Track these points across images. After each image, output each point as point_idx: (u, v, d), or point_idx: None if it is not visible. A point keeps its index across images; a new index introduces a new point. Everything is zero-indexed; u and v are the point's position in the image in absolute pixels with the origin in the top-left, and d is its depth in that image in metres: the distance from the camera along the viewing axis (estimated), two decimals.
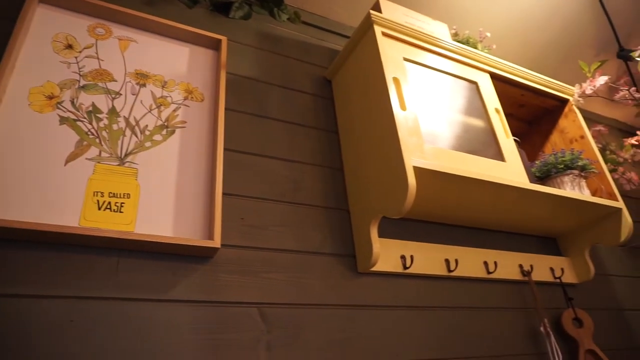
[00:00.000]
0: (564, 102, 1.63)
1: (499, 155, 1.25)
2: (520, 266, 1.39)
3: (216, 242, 0.93)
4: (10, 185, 0.84)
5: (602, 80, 1.53)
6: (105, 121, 1.00)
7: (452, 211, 1.29)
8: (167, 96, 1.11)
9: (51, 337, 0.77)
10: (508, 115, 1.61)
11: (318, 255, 1.10)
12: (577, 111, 1.60)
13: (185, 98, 1.13)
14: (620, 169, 1.83)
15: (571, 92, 1.61)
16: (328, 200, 1.20)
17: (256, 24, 1.42)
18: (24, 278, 0.79)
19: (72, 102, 0.99)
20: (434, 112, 1.22)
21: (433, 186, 1.12)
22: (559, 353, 1.24)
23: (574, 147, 1.54)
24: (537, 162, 1.48)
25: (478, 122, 1.31)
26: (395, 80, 1.16)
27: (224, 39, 1.24)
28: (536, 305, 1.32)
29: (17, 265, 0.80)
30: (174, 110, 1.10)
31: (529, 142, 1.72)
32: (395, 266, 1.16)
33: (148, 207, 0.95)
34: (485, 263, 1.32)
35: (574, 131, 1.57)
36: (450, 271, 1.24)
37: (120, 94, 1.05)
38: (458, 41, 1.54)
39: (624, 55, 1.84)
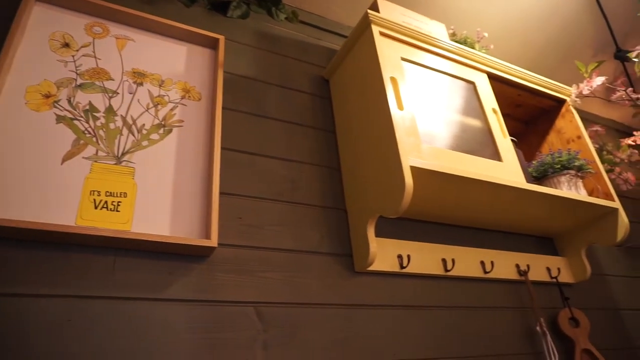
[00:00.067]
0: (561, 102, 1.63)
1: (496, 155, 1.26)
2: (517, 266, 1.40)
3: (213, 242, 0.93)
4: (7, 184, 0.84)
5: (599, 80, 1.53)
6: (102, 120, 1.00)
7: (449, 211, 1.29)
8: (164, 95, 1.11)
9: (48, 337, 0.77)
10: (505, 115, 1.61)
11: (315, 254, 1.10)
12: (574, 111, 1.60)
13: (183, 97, 1.13)
14: (617, 169, 1.83)
15: (568, 93, 1.62)
16: (325, 200, 1.20)
17: (254, 23, 1.42)
18: (21, 277, 0.79)
19: (69, 101, 0.98)
20: (431, 112, 1.22)
21: (430, 186, 1.12)
22: (555, 352, 1.24)
23: (570, 147, 1.54)
24: (534, 162, 1.48)
25: (475, 122, 1.31)
26: (393, 80, 1.16)
27: (221, 38, 1.24)
28: (533, 304, 1.32)
29: (14, 264, 0.80)
30: (171, 109, 1.10)
31: (526, 142, 1.72)
32: (392, 266, 1.16)
33: (145, 206, 0.95)
34: (482, 263, 1.33)
35: (571, 131, 1.58)
36: (447, 271, 1.25)
37: (118, 93, 1.05)
38: (456, 41, 1.54)
39: (621, 56, 1.85)
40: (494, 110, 1.35)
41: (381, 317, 1.10)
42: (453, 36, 1.59)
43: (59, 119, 0.95)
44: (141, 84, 1.09)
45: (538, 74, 1.59)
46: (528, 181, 1.27)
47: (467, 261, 1.30)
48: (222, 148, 1.11)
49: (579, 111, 2.09)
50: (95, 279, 0.85)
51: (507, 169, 1.23)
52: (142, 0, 1.23)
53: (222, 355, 0.89)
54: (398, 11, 1.39)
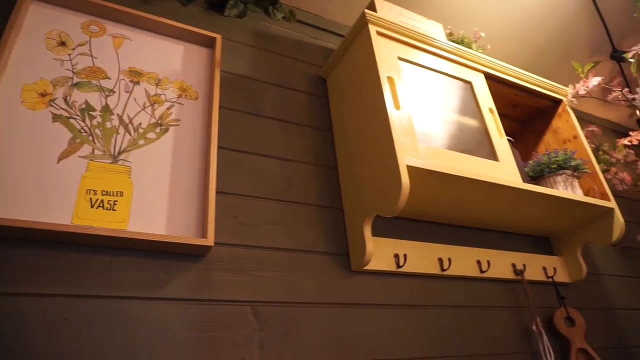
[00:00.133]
0: (558, 102, 1.64)
1: (492, 155, 1.26)
2: (513, 265, 1.40)
3: (209, 241, 0.93)
4: (2, 183, 0.84)
5: (595, 81, 1.54)
6: (99, 119, 1.00)
7: (446, 210, 1.29)
8: (161, 94, 1.11)
9: (45, 336, 0.77)
10: (502, 115, 1.61)
11: (311, 253, 1.10)
12: (571, 111, 1.60)
13: (179, 96, 1.13)
14: (613, 169, 1.84)
15: (565, 93, 1.62)
16: (322, 199, 1.20)
17: (251, 22, 1.42)
18: (17, 276, 0.79)
19: (65, 100, 0.98)
20: (428, 111, 1.22)
21: (427, 185, 1.12)
22: (551, 352, 1.25)
23: (567, 147, 1.55)
24: (530, 162, 1.49)
25: (472, 122, 1.31)
26: (390, 79, 1.16)
27: (218, 37, 1.24)
28: (529, 304, 1.32)
29: (9, 263, 0.80)
30: (168, 108, 1.10)
31: (523, 141, 1.73)
32: (388, 265, 1.16)
33: (141, 205, 0.95)
34: (479, 262, 1.33)
35: (568, 131, 1.58)
36: (443, 270, 1.25)
37: (114, 92, 1.05)
38: (453, 41, 1.54)
39: (617, 56, 1.86)
40: (491, 110, 1.35)
41: (377, 316, 1.11)
42: (450, 36, 1.59)
43: (55, 117, 0.95)
44: (138, 82, 1.09)
45: (535, 74, 1.59)
46: (524, 181, 1.27)
47: (463, 261, 1.30)
48: (219, 147, 1.11)
49: (576, 111, 2.10)
50: (91, 278, 0.85)
51: (504, 169, 1.24)
52: None
53: (219, 354, 0.89)
54: (395, 11, 1.39)
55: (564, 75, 1.90)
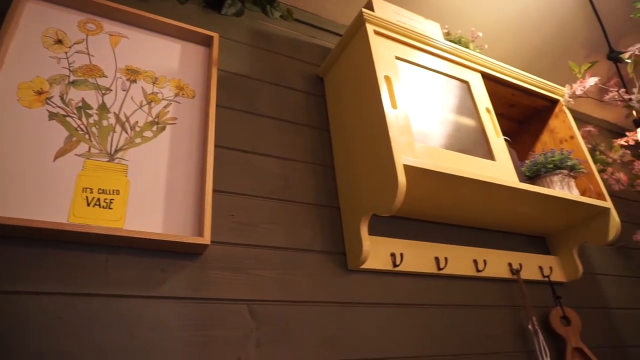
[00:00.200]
0: (555, 102, 1.64)
1: (489, 155, 1.26)
2: (510, 265, 1.40)
3: (206, 239, 0.93)
4: None
5: (592, 81, 1.54)
6: (95, 117, 1.00)
7: (442, 209, 1.29)
8: (157, 92, 1.10)
9: (40, 334, 0.77)
10: (499, 115, 1.61)
11: (308, 252, 1.10)
12: (567, 111, 1.61)
13: (176, 94, 1.13)
14: (610, 169, 1.85)
15: (561, 93, 1.62)
16: (319, 198, 1.21)
17: (248, 21, 1.42)
18: (13, 275, 0.79)
19: (62, 98, 0.98)
20: (425, 110, 1.22)
21: (423, 184, 1.12)
22: (547, 351, 1.25)
23: (563, 147, 1.55)
24: (527, 162, 1.49)
25: (469, 121, 1.31)
26: (387, 78, 1.16)
27: (215, 35, 1.24)
28: (525, 303, 1.33)
29: (5, 261, 0.79)
30: (165, 107, 1.10)
31: (520, 141, 1.73)
32: (385, 264, 1.16)
33: (138, 203, 0.94)
34: (475, 261, 1.33)
35: (564, 131, 1.59)
36: (440, 269, 1.25)
37: (111, 90, 1.05)
38: (450, 40, 1.54)
39: (614, 56, 1.86)
40: (488, 110, 1.35)
41: (374, 315, 1.11)
42: (447, 35, 1.60)
43: (52, 115, 0.95)
44: (135, 81, 1.09)
45: (532, 74, 1.60)
46: (521, 180, 1.28)
47: (459, 260, 1.31)
48: (216, 146, 1.11)
49: (572, 111, 2.10)
50: (87, 277, 0.85)
51: (500, 168, 1.24)
52: None
53: (215, 352, 0.89)
54: (392, 10, 1.39)
55: (561, 75, 1.91)
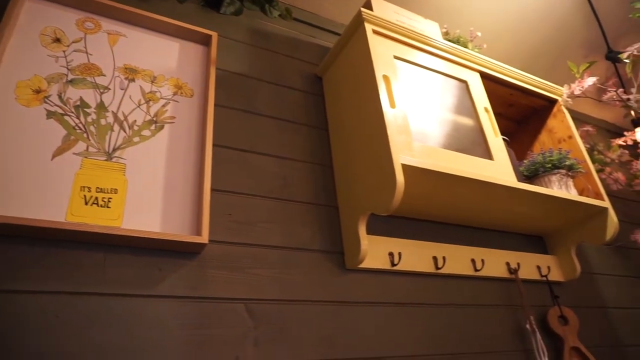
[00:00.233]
0: (553, 102, 1.65)
1: (487, 154, 1.26)
2: (507, 264, 1.41)
3: (204, 238, 0.93)
4: None
5: (590, 81, 1.54)
6: (93, 116, 0.99)
7: (440, 209, 1.29)
8: (156, 91, 1.10)
9: (37, 333, 0.76)
10: (497, 115, 1.62)
11: (306, 251, 1.10)
12: (566, 111, 1.61)
13: (175, 93, 1.13)
14: (608, 169, 1.85)
15: (560, 93, 1.63)
16: (317, 197, 1.21)
17: (247, 20, 1.42)
18: (9, 273, 0.79)
19: (60, 97, 0.98)
20: (423, 110, 1.23)
21: (421, 184, 1.12)
22: (545, 350, 1.26)
23: (562, 147, 1.56)
24: (525, 161, 1.49)
25: (467, 121, 1.31)
26: (385, 78, 1.16)
27: (214, 34, 1.24)
28: (523, 302, 1.33)
29: (1, 260, 0.79)
30: (163, 106, 1.09)
31: (518, 141, 1.74)
32: (383, 263, 1.17)
33: (136, 202, 0.94)
34: (473, 261, 1.34)
35: (563, 131, 1.59)
36: (438, 268, 1.25)
37: (109, 89, 1.05)
38: (449, 40, 1.54)
39: (612, 56, 1.86)
40: (486, 109, 1.35)
41: (372, 314, 1.11)
42: (446, 35, 1.60)
43: (50, 114, 0.95)
44: (133, 80, 1.09)
45: (531, 73, 1.60)
46: (519, 180, 1.28)
47: (457, 259, 1.31)
48: (214, 145, 1.11)
49: (571, 111, 2.11)
50: (85, 275, 0.85)
51: (499, 168, 1.24)
52: None
53: (213, 351, 0.89)
54: (391, 9, 1.39)
55: (559, 75, 1.91)
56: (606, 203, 1.40)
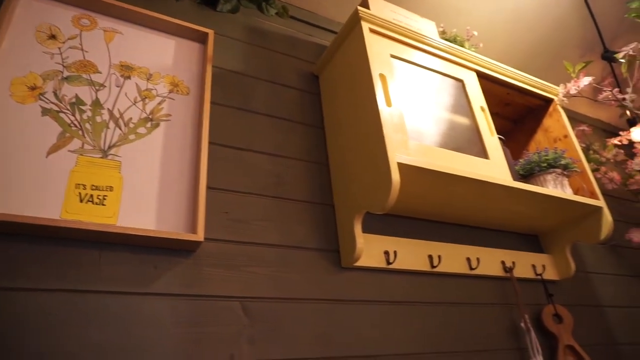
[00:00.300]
0: (549, 101, 1.65)
1: (483, 153, 1.27)
2: (503, 263, 1.41)
3: (199, 236, 0.93)
4: None
5: (586, 80, 1.55)
6: (89, 113, 0.99)
7: (436, 208, 1.30)
8: (152, 89, 1.10)
9: (31, 330, 0.76)
10: (493, 114, 1.62)
11: (302, 249, 1.11)
12: (562, 111, 1.62)
13: (171, 91, 1.13)
14: (603, 168, 1.86)
15: (556, 92, 1.63)
16: (313, 195, 1.21)
17: (244, 17, 1.41)
18: (2, 270, 0.79)
19: (55, 94, 0.98)
20: (419, 109, 1.23)
21: (417, 182, 1.13)
22: (539, 348, 1.26)
23: (557, 146, 1.56)
24: (521, 161, 1.50)
25: (463, 120, 1.32)
26: (382, 76, 1.16)
27: (210, 32, 1.23)
28: (517, 301, 1.34)
29: None
30: (159, 103, 1.09)
31: (514, 140, 1.74)
32: (378, 261, 1.17)
33: (131, 200, 0.94)
34: (468, 259, 1.34)
35: (558, 130, 1.59)
36: (433, 267, 1.26)
37: (105, 86, 1.04)
38: (445, 39, 1.55)
39: (608, 56, 1.87)
40: (482, 109, 1.36)
41: (367, 312, 1.11)
42: (443, 34, 1.60)
43: (45, 111, 0.95)
44: (129, 77, 1.09)
45: (527, 73, 1.60)
46: (515, 179, 1.28)
47: (453, 258, 1.31)
48: (210, 143, 1.11)
49: (568, 111, 2.11)
50: (80, 273, 0.84)
51: (494, 167, 1.24)
52: None
53: (208, 349, 0.89)
54: (388, 8, 1.39)
55: (556, 74, 1.91)
56: (601, 202, 1.41)
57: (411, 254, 1.24)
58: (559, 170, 1.41)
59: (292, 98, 1.35)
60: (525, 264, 1.47)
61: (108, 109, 1.02)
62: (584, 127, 1.84)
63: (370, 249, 1.17)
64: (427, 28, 1.45)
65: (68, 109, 0.97)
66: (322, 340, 1.02)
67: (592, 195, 1.43)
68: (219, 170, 1.09)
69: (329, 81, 1.38)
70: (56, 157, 0.91)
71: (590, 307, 1.59)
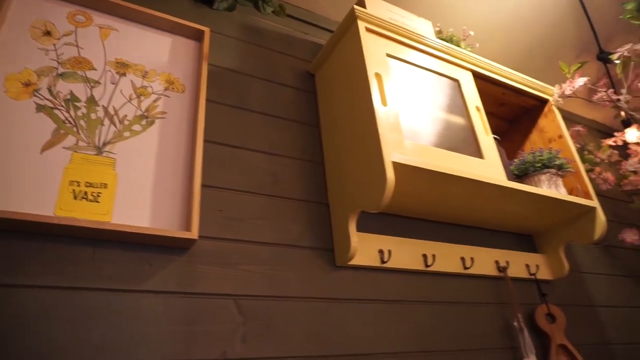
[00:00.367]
0: (544, 102, 1.66)
1: (478, 153, 1.27)
2: (497, 262, 1.42)
3: (193, 234, 0.93)
4: None
5: (581, 81, 1.55)
6: (84, 110, 0.99)
7: (431, 207, 1.30)
8: (147, 86, 1.10)
9: (25, 327, 0.76)
10: (489, 114, 1.63)
11: (296, 248, 1.11)
12: (557, 111, 1.62)
13: (166, 88, 1.12)
14: (597, 169, 1.87)
15: (551, 92, 1.64)
16: (308, 194, 1.21)
17: (240, 15, 1.41)
18: None
19: (50, 90, 0.97)
20: (415, 108, 1.23)
21: (412, 182, 1.13)
22: (532, 347, 1.27)
23: (552, 147, 1.57)
24: (515, 161, 1.50)
25: (459, 120, 1.32)
26: (377, 75, 1.17)
27: (206, 30, 1.23)
28: (511, 300, 1.34)
29: None
30: (154, 101, 1.09)
31: (509, 140, 1.75)
32: (373, 260, 1.17)
33: (125, 197, 0.94)
34: (462, 259, 1.34)
35: (553, 131, 1.60)
36: (427, 266, 1.26)
37: (100, 83, 1.04)
38: (441, 39, 1.55)
39: (603, 57, 1.88)
40: (477, 108, 1.36)
41: (361, 311, 1.12)
42: (439, 34, 1.60)
43: (39, 108, 0.94)
44: (124, 74, 1.08)
45: (523, 73, 1.61)
46: (509, 179, 1.29)
47: (447, 257, 1.32)
48: (205, 140, 1.11)
49: (563, 111, 2.12)
50: (74, 270, 0.84)
51: (489, 167, 1.25)
52: None
53: (201, 347, 0.89)
54: (385, 7, 1.40)
55: (551, 75, 1.92)
56: (595, 202, 1.41)
57: (405, 253, 1.24)
58: (553, 171, 1.42)
59: (288, 96, 1.35)
60: (519, 263, 1.48)
61: (103, 106, 1.02)
62: (578, 128, 1.85)
63: (365, 248, 1.17)
64: (424, 27, 1.45)
65: (63, 106, 0.97)
66: (315, 339, 1.02)
67: (586, 195, 1.44)
68: (214, 168, 1.09)
69: (325, 80, 1.38)
70: (50, 154, 0.91)
71: (583, 307, 1.59)
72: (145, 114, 1.06)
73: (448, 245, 1.34)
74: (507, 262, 1.43)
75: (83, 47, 1.06)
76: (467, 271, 1.34)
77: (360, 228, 1.19)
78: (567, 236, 1.50)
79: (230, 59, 1.30)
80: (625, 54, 1.60)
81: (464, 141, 1.28)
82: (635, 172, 1.69)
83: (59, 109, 0.96)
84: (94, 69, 1.05)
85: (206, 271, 0.97)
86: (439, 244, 1.32)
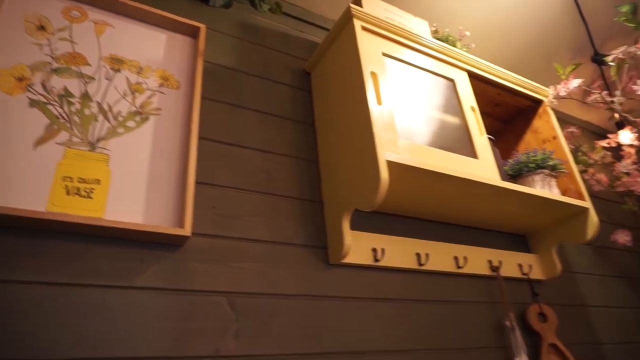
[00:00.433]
0: (539, 102, 1.66)
1: (472, 153, 1.28)
2: (490, 262, 1.42)
3: (187, 231, 0.93)
4: None
5: (575, 83, 1.56)
6: (77, 106, 0.99)
7: (424, 206, 1.31)
8: (142, 82, 1.10)
9: (17, 323, 0.76)
10: (484, 114, 1.63)
11: (290, 245, 1.11)
12: (551, 112, 1.63)
13: (161, 85, 1.12)
14: (591, 170, 1.88)
15: (546, 93, 1.65)
16: (302, 192, 1.21)
17: (236, 13, 1.41)
18: None
19: (43, 85, 0.97)
20: (410, 108, 1.23)
21: (406, 181, 1.13)
22: (524, 346, 1.27)
23: (546, 147, 1.58)
24: (509, 161, 1.51)
25: (453, 120, 1.33)
26: (373, 74, 1.17)
27: (202, 26, 1.23)
28: (503, 300, 1.35)
29: None
30: (149, 97, 1.09)
31: (504, 140, 1.75)
32: (366, 259, 1.18)
33: (119, 193, 0.94)
34: (456, 258, 1.35)
35: (547, 131, 1.61)
36: (420, 265, 1.26)
37: (94, 79, 1.04)
38: (437, 39, 1.55)
39: (598, 59, 1.89)
40: (472, 108, 1.37)
41: (354, 309, 1.12)
42: (435, 33, 1.60)
43: (33, 103, 0.94)
44: (119, 70, 1.08)
45: (518, 74, 1.61)
46: (503, 179, 1.30)
47: (440, 256, 1.32)
48: (200, 137, 1.11)
49: (558, 112, 2.14)
50: (66, 266, 0.84)
51: (483, 167, 1.25)
52: None
53: (193, 344, 0.89)
54: (381, 6, 1.40)
55: (547, 76, 1.93)
56: (587, 203, 1.42)
57: (399, 251, 1.24)
58: (547, 171, 1.42)
59: (283, 94, 1.35)
60: (512, 263, 1.48)
61: (97, 101, 1.01)
62: (573, 129, 1.86)
63: (358, 246, 1.17)
64: (420, 27, 1.45)
65: (56, 101, 0.97)
66: (307, 336, 1.02)
67: (579, 196, 1.45)
68: (208, 165, 1.09)
69: (321, 78, 1.38)
70: (43, 149, 0.90)
71: (574, 307, 1.61)
72: (140, 110, 1.06)
73: (441, 245, 1.34)
74: (500, 262, 1.43)
75: (78, 43, 1.06)
76: (460, 270, 1.34)
77: (354, 226, 1.19)
78: (560, 236, 1.51)
79: (225, 56, 1.29)
80: (620, 56, 1.62)
81: (458, 141, 1.29)
82: (628, 174, 1.70)
83: (52, 105, 0.96)
84: (88, 64, 1.05)
85: (199, 268, 0.97)
86: (432, 243, 1.33)
